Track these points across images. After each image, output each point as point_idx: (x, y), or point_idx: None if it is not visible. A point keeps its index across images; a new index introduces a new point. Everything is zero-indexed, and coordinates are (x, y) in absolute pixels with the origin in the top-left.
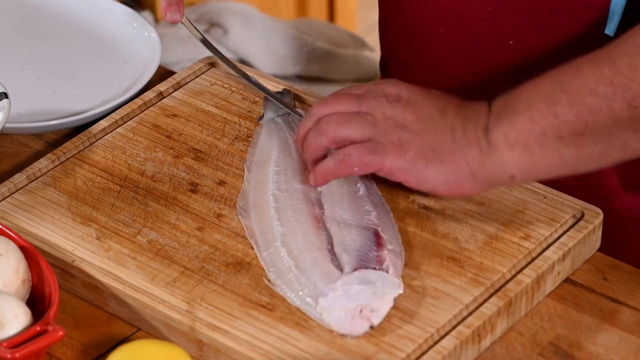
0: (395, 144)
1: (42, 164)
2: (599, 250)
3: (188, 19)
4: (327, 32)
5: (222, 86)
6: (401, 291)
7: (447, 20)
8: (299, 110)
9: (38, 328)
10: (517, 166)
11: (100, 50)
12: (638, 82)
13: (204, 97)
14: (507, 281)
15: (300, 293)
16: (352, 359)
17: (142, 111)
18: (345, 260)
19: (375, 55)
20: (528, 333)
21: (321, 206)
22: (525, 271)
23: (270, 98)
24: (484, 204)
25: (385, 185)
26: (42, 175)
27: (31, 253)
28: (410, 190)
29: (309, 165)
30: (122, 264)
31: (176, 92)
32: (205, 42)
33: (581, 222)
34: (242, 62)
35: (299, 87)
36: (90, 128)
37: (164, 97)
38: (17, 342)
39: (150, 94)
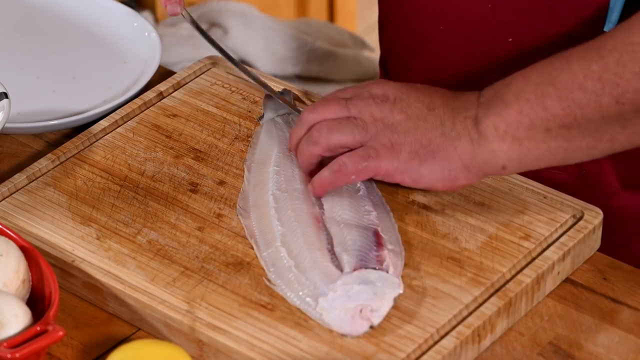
0: (387, 146)
1: (42, 164)
2: (599, 250)
3: (188, 12)
4: (327, 32)
5: (222, 86)
6: (401, 291)
7: (447, 17)
8: (300, 108)
9: (38, 328)
10: (508, 157)
11: (100, 50)
12: (626, 78)
13: (204, 97)
14: (507, 281)
15: (300, 293)
16: (352, 359)
17: (142, 111)
18: (345, 260)
19: (375, 55)
20: (528, 333)
21: (321, 206)
22: (525, 271)
23: (271, 94)
24: (484, 204)
25: (385, 185)
26: (42, 175)
27: (31, 253)
28: (410, 190)
29: (304, 174)
30: (122, 264)
31: (176, 92)
32: (205, 35)
33: (581, 222)
34: (242, 62)
35: (299, 87)
36: (90, 128)
37: (164, 97)
38: (17, 342)
39: (150, 94)
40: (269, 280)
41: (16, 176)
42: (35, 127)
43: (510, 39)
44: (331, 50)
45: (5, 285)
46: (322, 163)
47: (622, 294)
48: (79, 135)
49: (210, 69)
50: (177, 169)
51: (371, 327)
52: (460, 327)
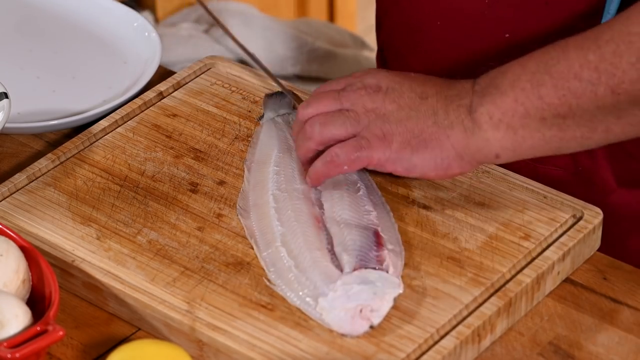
0: (379, 136)
1: (42, 164)
2: (598, 250)
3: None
4: (327, 32)
5: (222, 86)
6: (401, 291)
7: (444, 13)
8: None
9: (38, 328)
10: (501, 145)
11: (100, 50)
12: (622, 69)
13: (204, 97)
14: (507, 281)
15: (300, 293)
16: (352, 359)
17: (142, 111)
18: (345, 260)
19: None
20: (528, 333)
21: (321, 206)
22: (525, 271)
23: (285, 92)
24: (484, 204)
25: (385, 185)
26: (42, 175)
27: (31, 253)
28: (411, 190)
29: (303, 167)
30: (122, 264)
31: (176, 92)
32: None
33: (581, 222)
34: (242, 62)
35: (299, 87)
36: (90, 128)
37: (164, 97)
38: (17, 342)
39: (150, 94)
40: (269, 280)
41: (16, 176)
42: (35, 127)
43: (507, 35)
44: (331, 50)
45: (5, 285)
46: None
47: (622, 294)
48: (79, 135)
49: (210, 68)
50: (177, 169)
51: (371, 327)
52: (460, 327)
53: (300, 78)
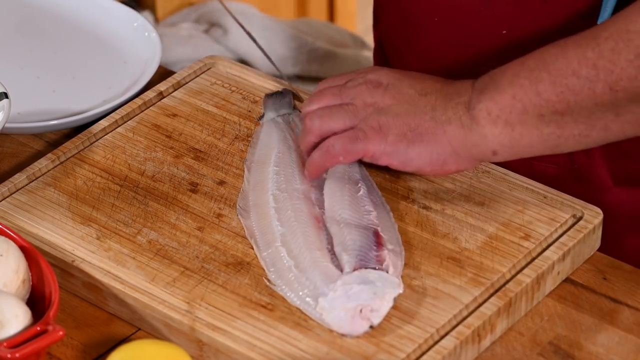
0: (375, 129)
1: (42, 164)
2: (598, 249)
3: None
4: (327, 32)
5: (222, 86)
6: (401, 291)
7: (442, 9)
8: (299, 110)
9: (38, 328)
10: (499, 142)
11: (100, 50)
12: (620, 66)
13: (204, 97)
14: (507, 281)
15: (300, 293)
16: (352, 359)
17: (142, 111)
18: (345, 260)
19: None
20: (528, 333)
21: (321, 206)
22: (525, 271)
23: (285, 85)
24: (484, 204)
25: (385, 185)
26: (42, 175)
27: (31, 253)
28: (411, 190)
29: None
30: (122, 264)
31: (176, 91)
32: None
33: (581, 222)
34: (242, 62)
35: (299, 87)
36: (90, 128)
37: (164, 97)
38: (17, 342)
39: (150, 94)
40: (269, 280)
41: (16, 176)
42: (35, 127)
43: (505, 31)
44: (331, 50)
45: (5, 285)
46: None
47: (622, 294)
48: (79, 135)
49: (210, 68)
50: (177, 169)
51: (371, 327)
52: (460, 327)
53: (300, 78)
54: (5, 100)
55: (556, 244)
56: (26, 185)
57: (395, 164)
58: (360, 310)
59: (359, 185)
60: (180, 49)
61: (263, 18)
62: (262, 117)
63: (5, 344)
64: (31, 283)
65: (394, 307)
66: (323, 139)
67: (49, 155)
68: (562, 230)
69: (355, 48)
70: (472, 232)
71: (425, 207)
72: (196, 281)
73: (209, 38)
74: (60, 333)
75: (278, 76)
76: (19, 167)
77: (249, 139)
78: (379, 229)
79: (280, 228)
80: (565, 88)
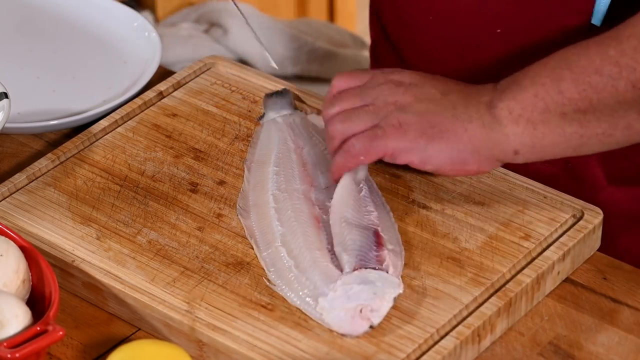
0: (395, 126)
1: (42, 164)
2: (598, 249)
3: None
4: (327, 32)
5: (222, 86)
6: (401, 291)
7: (437, 8)
8: (298, 109)
9: (38, 328)
10: (521, 141)
11: (100, 50)
12: None
13: (204, 97)
14: (507, 281)
15: (300, 293)
16: (352, 359)
17: (142, 111)
18: (345, 260)
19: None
20: (528, 333)
21: (321, 206)
22: (525, 271)
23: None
24: (484, 204)
25: (385, 185)
26: (42, 175)
27: (31, 253)
28: (411, 190)
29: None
30: (122, 264)
31: (176, 91)
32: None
33: (581, 222)
34: (242, 62)
35: (299, 87)
36: (90, 128)
37: (164, 97)
38: (17, 342)
39: (150, 94)
40: (269, 280)
41: (16, 176)
42: (35, 127)
43: (499, 30)
44: (331, 50)
45: (5, 285)
46: None
47: (622, 294)
48: (79, 135)
49: (210, 68)
50: (177, 169)
51: (371, 327)
52: (460, 327)
53: (300, 78)
54: (5, 100)
55: (556, 244)
56: (26, 185)
57: (414, 162)
58: (360, 310)
59: (362, 185)
60: (180, 49)
61: (263, 18)
62: (262, 117)
63: (5, 344)
64: (31, 283)
65: (394, 307)
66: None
67: (49, 155)
68: (562, 230)
69: (355, 48)
70: (472, 232)
71: (425, 207)
72: (196, 281)
73: (209, 38)
74: (60, 333)
75: (278, 75)
76: (19, 167)
77: (249, 139)
78: (379, 229)
79: (280, 228)
80: (588, 86)
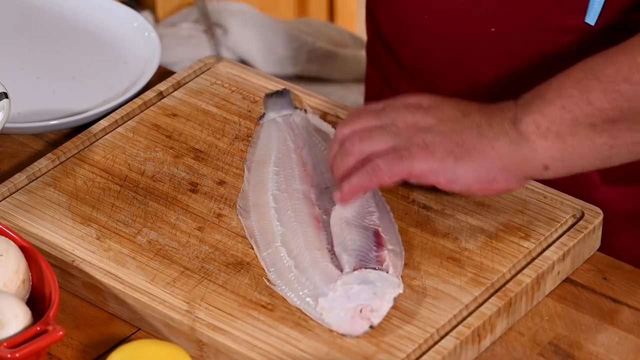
0: (421, 146)
1: (42, 164)
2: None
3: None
4: (327, 32)
5: (222, 86)
6: (401, 291)
7: (431, 6)
8: (298, 107)
9: (38, 328)
10: (550, 155)
11: (100, 50)
12: None
13: (204, 97)
14: (507, 281)
15: (300, 293)
16: (352, 359)
17: (142, 111)
18: (345, 260)
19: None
20: (528, 333)
21: (321, 206)
22: (525, 271)
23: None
24: (484, 204)
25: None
26: (42, 175)
27: (31, 253)
28: (411, 190)
29: (337, 184)
30: (122, 264)
31: (176, 91)
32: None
33: (581, 222)
34: (242, 62)
35: (299, 87)
36: (90, 128)
37: (164, 97)
38: (17, 342)
39: (150, 94)
40: (269, 280)
41: (16, 176)
42: (35, 127)
43: (493, 29)
44: (331, 50)
45: (5, 285)
46: None
47: (622, 294)
48: (79, 135)
49: (210, 68)
50: (177, 169)
51: (371, 327)
52: (460, 327)
53: (300, 78)
54: (5, 100)
55: (556, 244)
56: (26, 185)
57: (442, 182)
58: (360, 310)
59: None
60: (180, 49)
61: (263, 18)
62: (262, 117)
63: (5, 344)
64: (31, 283)
65: (394, 307)
66: (361, 163)
67: (49, 155)
68: (562, 230)
69: (355, 48)
70: (472, 232)
71: (425, 207)
72: (196, 281)
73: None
74: (60, 333)
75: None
76: (19, 167)
77: (249, 139)
78: (379, 229)
79: (280, 228)
80: (618, 94)
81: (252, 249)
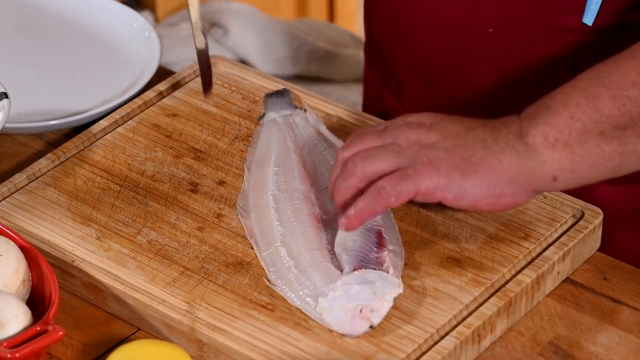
0: (426, 163)
1: (42, 164)
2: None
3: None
4: (327, 32)
5: (222, 86)
6: (401, 291)
7: (429, 8)
8: (298, 106)
9: (38, 328)
10: (559, 166)
11: (100, 50)
12: None
13: (204, 97)
14: (507, 281)
15: (300, 293)
16: (352, 359)
17: (142, 111)
18: (345, 260)
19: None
20: (528, 333)
21: (321, 206)
22: (525, 271)
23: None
24: None
25: None
26: (42, 175)
27: (31, 253)
28: None
29: (338, 211)
30: (122, 264)
31: (176, 91)
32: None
33: (581, 222)
34: (242, 62)
35: (299, 87)
36: (90, 128)
37: (164, 97)
38: (17, 342)
39: (150, 94)
40: (269, 281)
41: (16, 176)
42: (35, 127)
43: (491, 30)
44: (331, 50)
45: (5, 285)
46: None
47: (622, 294)
48: (79, 135)
49: None
50: (177, 169)
51: (371, 327)
52: (460, 327)
53: (300, 78)
54: (5, 100)
55: (556, 244)
56: (26, 185)
57: (449, 199)
58: (360, 310)
59: None
60: (180, 49)
61: (263, 18)
62: (262, 117)
63: (5, 344)
64: (31, 283)
65: (394, 307)
66: (365, 182)
67: (49, 155)
68: (562, 230)
69: (355, 48)
70: (472, 232)
71: (425, 207)
72: (196, 281)
73: (209, 38)
74: (60, 333)
75: (278, 75)
76: (19, 167)
77: (249, 139)
78: (382, 230)
79: (280, 228)
80: (627, 100)
81: (252, 249)
